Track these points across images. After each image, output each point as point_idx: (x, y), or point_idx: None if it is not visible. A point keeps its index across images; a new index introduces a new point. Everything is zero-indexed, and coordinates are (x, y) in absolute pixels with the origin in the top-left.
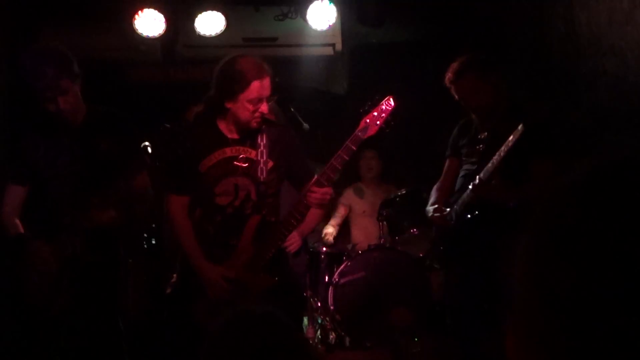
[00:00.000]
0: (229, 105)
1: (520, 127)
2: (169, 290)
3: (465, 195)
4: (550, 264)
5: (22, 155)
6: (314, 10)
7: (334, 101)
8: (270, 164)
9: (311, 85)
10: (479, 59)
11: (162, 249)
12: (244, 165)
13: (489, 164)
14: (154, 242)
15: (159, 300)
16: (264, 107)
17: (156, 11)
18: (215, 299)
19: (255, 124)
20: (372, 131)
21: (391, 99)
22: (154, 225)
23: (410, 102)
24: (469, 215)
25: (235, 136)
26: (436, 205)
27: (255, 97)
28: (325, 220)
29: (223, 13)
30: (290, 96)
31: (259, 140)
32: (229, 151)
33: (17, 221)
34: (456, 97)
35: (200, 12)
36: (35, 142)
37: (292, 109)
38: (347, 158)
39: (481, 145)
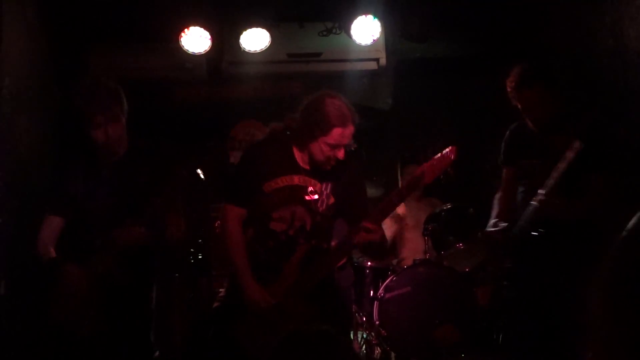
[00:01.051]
0: (308, 141)
1: (577, 143)
2: (216, 305)
3: (528, 211)
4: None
5: (62, 186)
6: (358, 25)
7: (378, 116)
8: (332, 200)
9: (355, 100)
10: (546, 67)
11: (210, 263)
12: (308, 197)
13: (550, 180)
14: (200, 257)
15: (205, 315)
16: (340, 154)
17: (202, 29)
18: (256, 320)
19: (328, 166)
20: (428, 180)
21: (454, 150)
22: (200, 241)
23: (452, 118)
24: (534, 233)
25: (307, 167)
26: (496, 219)
27: (334, 143)
28: None
29: (267, 29)
30: None
31: (325, 174)
32: (297, 179)
33: (52, 249)
34: (518, 105)
35: (246, 29)
36: (75, 173)
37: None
38: (398, 204)
39: (539, 160)
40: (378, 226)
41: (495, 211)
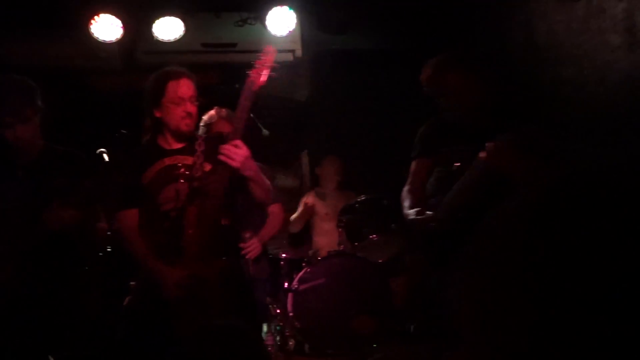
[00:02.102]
0: (157, 113)
1: (513, 130)
2: (129, 298)
3: (449, 195)
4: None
5: None
6: (274, 16)
7: (295, 108)
8: (208, 167)
9: (272, 92)
10: (467, 54)
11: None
12: (184, 171)
13: (502, 135)
14: (109, 249)
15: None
16: (187, 107)
17: (113, 16)
18: (176, 300)
19: (184, 127)
20: (260, 81)
21: (269, 47)
22: (109, 233)
23: (370, 110)
24: (456, 218)
25: (174, 147)
26: (418, 209)
27: (174, 97)
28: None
29: (182, 18)
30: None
31: (196, 147)
32: (167, 161)
33: None
34: (433, 95)
35: (158, 18)
36: None
37: (252, 115)
38: (246, 115)
39: (462, 146)
40: (240, 141)
41: (408, 202)
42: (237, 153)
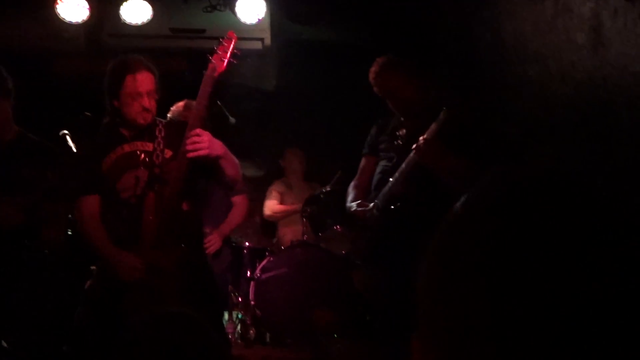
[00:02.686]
0: (115, 103)
1: (442, 113)
2: (88, 283)
3: (387, 187)
4: (458, 280)
5: None
6: (243, 3)
7: (263, 97)
8: (169, 153)
9: (240, 81)
10: (409, 56)
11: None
12: (143, 158)
13: (430, 129)
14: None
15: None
16: (144, 102)
17: None
18: (132, 287)
19: (141, 120)
20: (221, 67)
21: (231, 33)
22: (69, 232)
23: (337, 101)
24: (392, 207)
25: (132, 133)
26: (359, 201)
27: (132, 91)
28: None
29: (150, 2)
30: (218, 91)
31: (157, 133)
32: (127, 147)
33: None
34: (379, 92)
35: (126, 0)
36: None
37: (219, 102)
38: (206, 102)
39: (399, 141)
40: (199, 129)
41: (351, 196)
42: (201, 140)
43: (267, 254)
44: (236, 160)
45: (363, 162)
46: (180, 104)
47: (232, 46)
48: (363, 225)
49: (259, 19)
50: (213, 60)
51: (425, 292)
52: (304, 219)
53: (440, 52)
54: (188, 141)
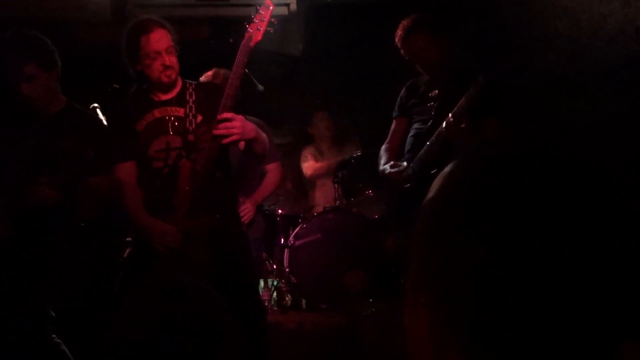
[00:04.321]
0: (138, 68)
1: (480, 78)
2: (128, 251)
3: (423, 150)
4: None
5: None
6: None
7: (289, 63)
8: (200, 117)
9: (266, 46)
10: (428, 17)
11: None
12: (174, 123)
13: (459, 104)
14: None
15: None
16: (164, 59)
17: None
18: (166, 252)
19: (165, 78)
20: (258, 36)
21: (269, 1)
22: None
23: (364, 63)
24: (430, 172)
25: (162, 98)
26: (392, 162)
27: (149, 51)
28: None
29: None
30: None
31: (187, 97)
32: (157, 113)
33: None
34: (406, 55)
35: None
36: (2, 122)
37: (247, 70)
38: (242, 71)
39: (433, 103)
40: (231, 113)
41: (384, 159)
42: (233, 126)
43: (299, 220)
44: (265, 137)
45: (394, 124)
46: (209, 73)
47: (268, 15)
48: (397, 188)
49: None
50: (250, 29)
51: (420, 243)
52: (336, 185)
53: (465, 7)
54: (220, 126)
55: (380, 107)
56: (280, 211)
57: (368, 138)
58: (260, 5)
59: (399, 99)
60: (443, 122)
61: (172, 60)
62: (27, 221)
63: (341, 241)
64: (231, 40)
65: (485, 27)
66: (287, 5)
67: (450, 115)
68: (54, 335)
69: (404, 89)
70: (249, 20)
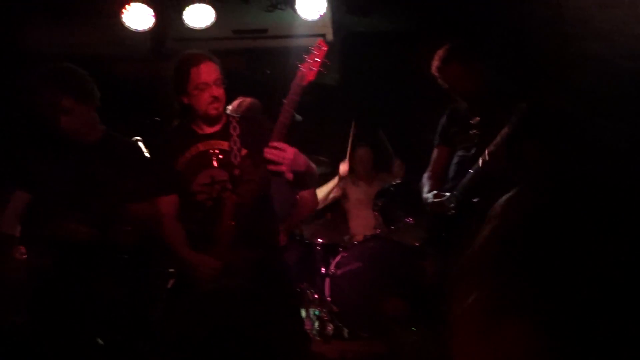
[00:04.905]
0: (185, 100)
1: (523, 106)
2: (172, 282)
3: (466, 178)
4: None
5: (27, 164)
6: (303, 0)
7: (326, 92)
8: (244, 151)
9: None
10: (462, 46)
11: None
12: (219, 157)
13: (497, 138)
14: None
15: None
16: (212, 91)
17: (144, 5)
18: (208, 290)
19: (213, 110)
20: (310, 76)
21: (322, 42)
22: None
23: (401, 93)
24: (472, 200)
25: (208, 132)
26: (435, 191)
27: (199, 83)
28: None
29: (212, 5)
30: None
31: (231, 131)
32: (201, 146)
33: (18, 226)
34: (444, 85)
35: (189, 5)
36: (43, 153)
37: (284, 101)
38: (293, 110)
39: (475, 130)
40: (285, 143)
41: (427, 187)
42: (283, 157)
43: (340, 249)
44: (316, 169)
45: (435, 152)
46: (235, 102)
47: (321, 54)
48: (439, 215)
49: (319, 15)
50: (302, 69)
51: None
52: (376, 213)
53: (498, 31)
54: (267, 150)
55: (417, 133)
56: (320, 240)
57: (406, 166)
58: (315, 44)
59: (440, 126)
60: (485, 149)
61: (220, 92)
62: (67, 253)
63: (382, 269)
64: (268, 72)
65: (519, 49)
66: (323, 35)
67: (486, 151)
68: None
69: (444, 117)
70: (302, 60)
